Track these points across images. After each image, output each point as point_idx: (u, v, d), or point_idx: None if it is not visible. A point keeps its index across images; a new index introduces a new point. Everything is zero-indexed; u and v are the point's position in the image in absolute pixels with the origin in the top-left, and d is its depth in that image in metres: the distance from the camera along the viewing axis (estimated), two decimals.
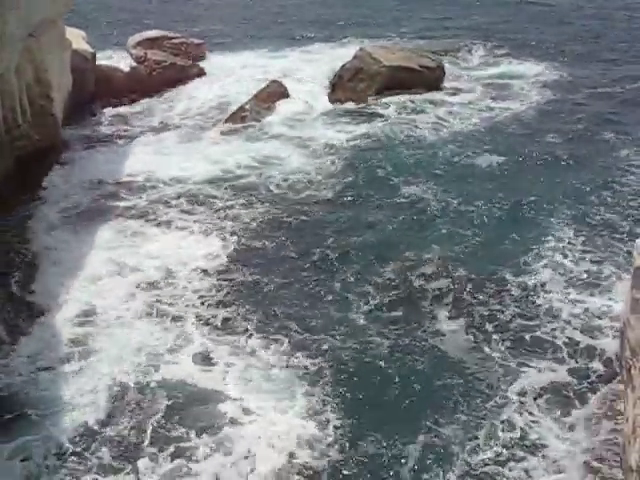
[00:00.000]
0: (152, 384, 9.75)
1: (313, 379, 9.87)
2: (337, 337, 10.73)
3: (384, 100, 20.43)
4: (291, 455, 8.66)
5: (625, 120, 19.23)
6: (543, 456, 8.68)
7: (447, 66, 22.65)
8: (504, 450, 8.72)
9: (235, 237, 13.53)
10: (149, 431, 9.02)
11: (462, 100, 20.90)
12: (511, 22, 30.25)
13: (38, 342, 10.53)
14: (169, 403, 9.41)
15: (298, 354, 10.35)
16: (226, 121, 19.02)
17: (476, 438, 8.92)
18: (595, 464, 8.50)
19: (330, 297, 11.67)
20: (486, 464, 8.55)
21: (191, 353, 10.40)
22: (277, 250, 13.16)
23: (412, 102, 20.40)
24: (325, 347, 10.48)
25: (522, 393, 9.60)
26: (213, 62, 24.17)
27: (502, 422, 9.14)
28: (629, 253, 12.04)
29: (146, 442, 8.85)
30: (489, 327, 10.95)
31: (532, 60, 24.70)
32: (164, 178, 15.87)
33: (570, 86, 22.39)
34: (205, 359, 10.30)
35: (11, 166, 14.67)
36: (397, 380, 9.87)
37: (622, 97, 21.18)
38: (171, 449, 8.73)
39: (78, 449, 8.74)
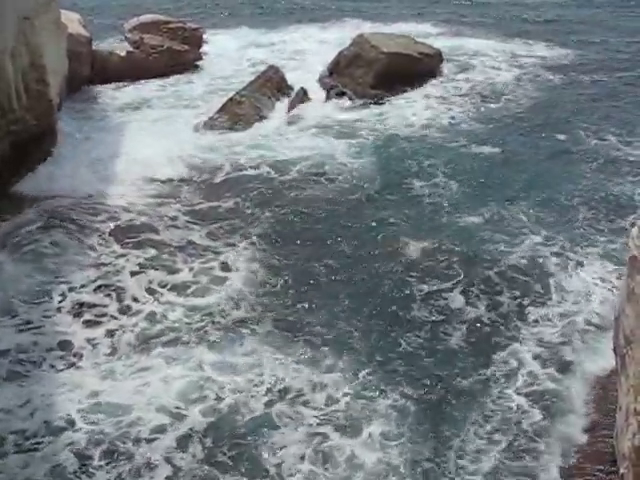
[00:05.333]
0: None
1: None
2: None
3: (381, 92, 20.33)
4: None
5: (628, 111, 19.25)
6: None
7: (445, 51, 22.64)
8: None
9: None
10: None
11: (460, 88, 20.89)
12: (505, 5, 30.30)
13: None
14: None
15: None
16: (219, 111, 18.78)
17: None
18: None
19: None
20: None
21: None
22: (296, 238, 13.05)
23: (407, 92, 20.33)
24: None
25: None
26: (210, 47, 24.05)
27: None
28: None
29: None
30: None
31: (533, 43, 24.73)
32: (162, 165, 15.66)
33: (571, 69, 22.47)
34: None
35: (7, 151, 14.58)
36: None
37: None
38: None
39: None
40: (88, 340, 10.25)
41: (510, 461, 8.54)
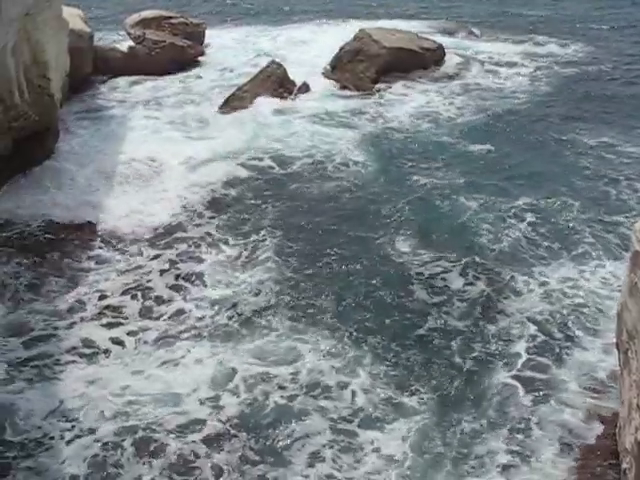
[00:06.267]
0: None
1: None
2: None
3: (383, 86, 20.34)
4: None
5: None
6: None
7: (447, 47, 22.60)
8: None
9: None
10: None
11: (461, 83, 20.86)
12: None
13: None
14: None
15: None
16: (222, 105, 18.86)
17: None
18: None
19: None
20: None
21: None
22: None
23: (409, 87, 20.35)
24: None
25: None
26: (212, 42, 24.01)
27: None
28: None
29: None
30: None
31: (536, 41, 24.65)
32: (166, 162, 15.69)
33: (576, 67, 22.41)
34: None
35: (9, 147, 14.57)
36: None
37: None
38: None
39: None
40: (113, 338, 10.41)
41: (509, 454, 8.60)
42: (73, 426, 8.81)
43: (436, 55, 21.84)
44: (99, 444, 8.55)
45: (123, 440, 8.61)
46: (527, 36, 25.23)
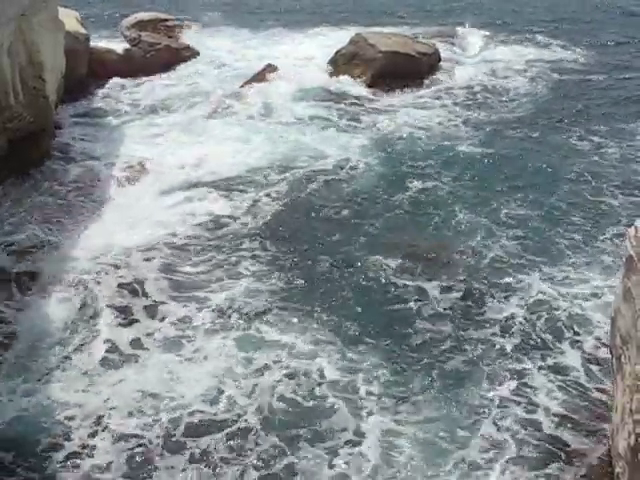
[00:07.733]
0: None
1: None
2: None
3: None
4: None
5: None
6: None
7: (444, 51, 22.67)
8: None
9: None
10: None
11: (456, 88, 20.89)
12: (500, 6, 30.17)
13: None
14: None
15: None
16: (219, 107, 18.91)
17: None
18: None
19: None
20: None
21: None
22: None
23: (404, 91, 20.41)
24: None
25: None
26: (208, 45, 23.98)
27: None
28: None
29: None
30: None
31: (533, 44, 24.72)
32: (162, 165, 15.69)
33: (572, 71, 22.35)
34: None
35: (5, 147, 14.55)
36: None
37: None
38: None
39: None
40: (129, 338, 10.74)
41: (498, 459, 8.65)
42: (107, 427, 9.15)
43: (432, 59, 21.87)
44: (128, 443, 8.89)
45: (152, 438, 8.96)
46: (527, 41, 25.17)
